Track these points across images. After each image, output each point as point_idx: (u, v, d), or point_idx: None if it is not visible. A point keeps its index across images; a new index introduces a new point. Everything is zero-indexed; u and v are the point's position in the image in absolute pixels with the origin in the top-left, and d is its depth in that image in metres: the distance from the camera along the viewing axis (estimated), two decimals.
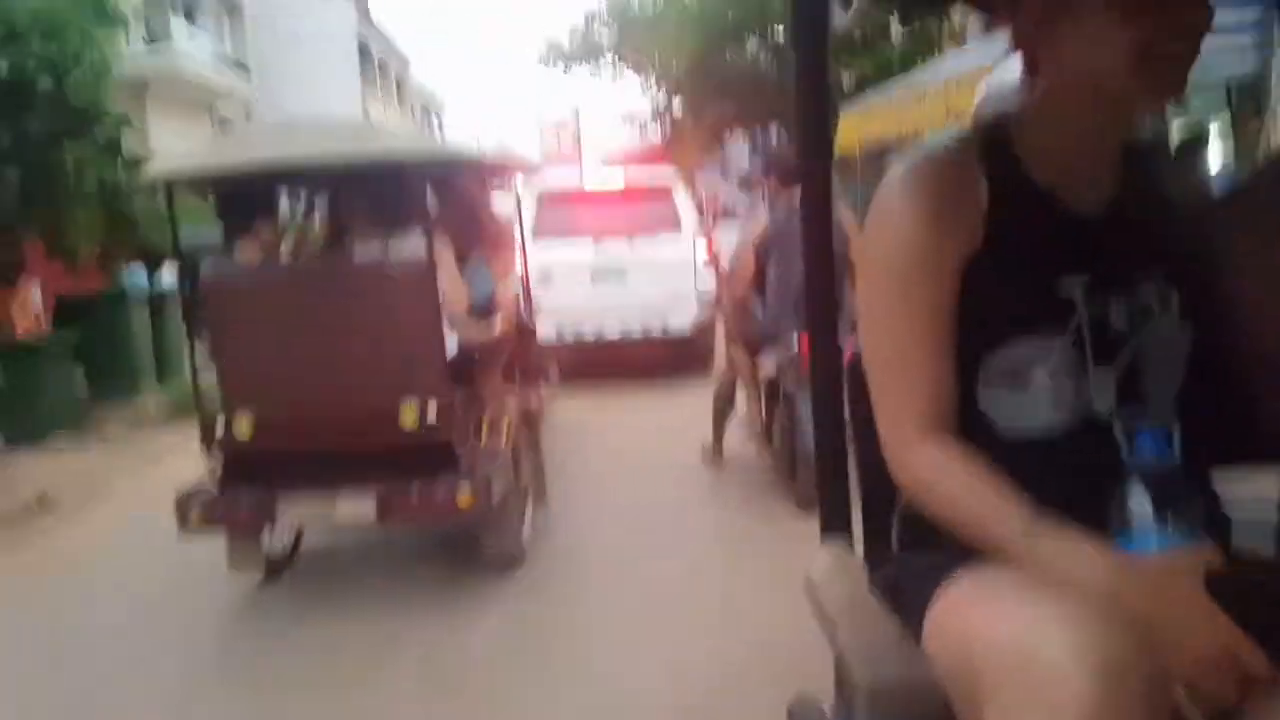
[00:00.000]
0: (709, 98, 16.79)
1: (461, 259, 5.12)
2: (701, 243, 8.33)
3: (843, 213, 4.26)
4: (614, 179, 9.42)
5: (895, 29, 13.15)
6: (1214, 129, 7.14)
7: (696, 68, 15.74)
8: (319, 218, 4.70)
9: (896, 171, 1.16)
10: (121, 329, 8.35)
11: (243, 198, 4.01)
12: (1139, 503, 1.00)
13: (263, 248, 3.99)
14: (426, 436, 3.80)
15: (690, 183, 15.55)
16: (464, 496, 3.77)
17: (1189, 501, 1.02)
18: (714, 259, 7.94)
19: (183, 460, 5.00)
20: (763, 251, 4.77)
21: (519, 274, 5.82)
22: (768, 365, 4.83)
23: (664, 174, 9.27)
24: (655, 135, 20.55)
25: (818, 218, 1.42)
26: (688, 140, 19.06)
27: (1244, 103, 6.19)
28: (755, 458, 5.35)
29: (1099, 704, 0.85)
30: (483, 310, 4.96)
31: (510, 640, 3.60)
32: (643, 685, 3.09)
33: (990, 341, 1.11)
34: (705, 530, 4.71)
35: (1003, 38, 1.18)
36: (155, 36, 18.76)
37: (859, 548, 1.44)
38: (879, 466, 1.20)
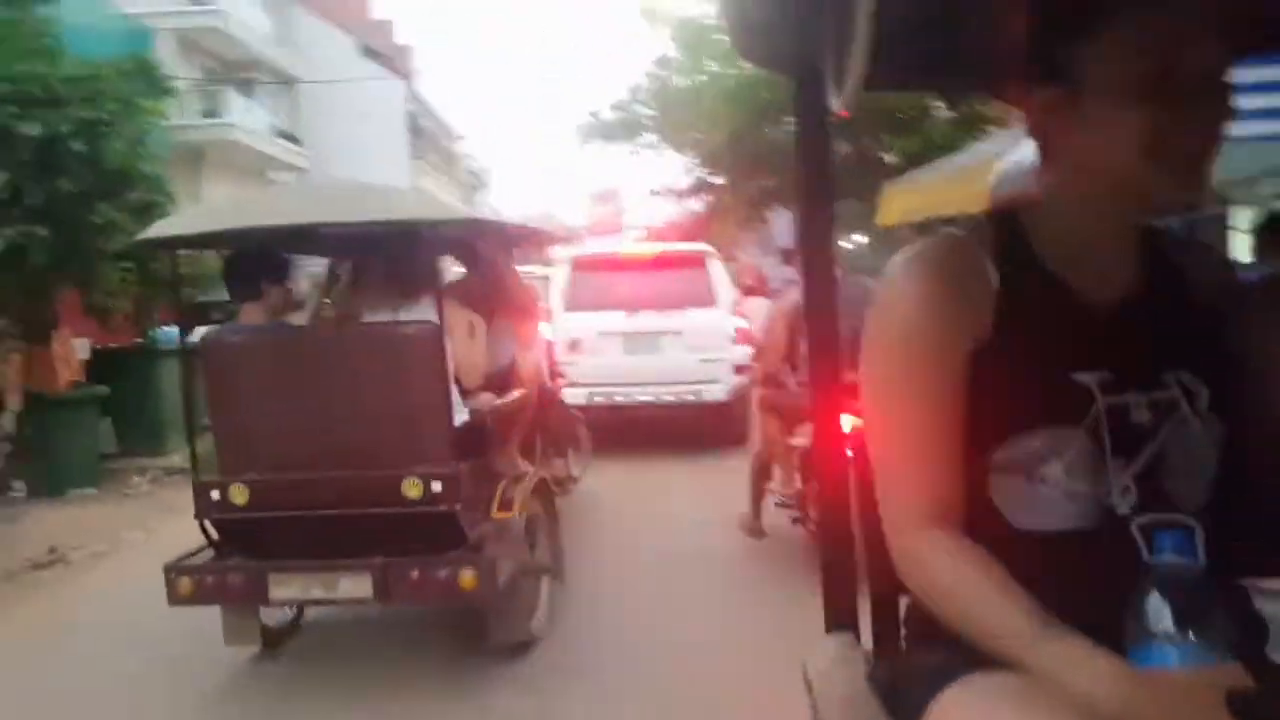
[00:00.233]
0: (749, 172, 16.77)
1: (485, 326, 4.98)
2: (736, 316, 8.17)
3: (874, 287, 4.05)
4: (649, 250, 9.41)
5: (938, 107, 13.08)
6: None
7: (736, 143, 15.74)
8: (343, 283, 4.58)
9: (902, 256, 1.13)
10: (151, 384, 8.41)
11: (250, 261, 3.89)
12: (1157, 611, 0.91)
13: (268, 311, 3.85)
14: (430, 510, 3.57)
15: (731, 256, 15.46)
16: (467, 578, 3.51)
17: (1213, 612, 0.93)
18: (748, 331, 7.82)
19: None
20: (795, 324, 4.60)
21: (544, 342, 5.64)
22: (801, 438, 4.64)
23: (699, 247, 9.26)
24: (697, 208, 20.58)
25: (820, 301, 1.36)
26: (729, 214, 19.04)
27: None
28: (792, 532, 5.06)
29: None
30: (501, 378, 4.78)
31: None
32: None
33: (1001, 432, 1.07)
34: (735, 620, 4.36)
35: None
36: (212, 108, 19.41)
37: (866, 639, 1.37)
38: (887, 555, 1.14)
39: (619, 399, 8.03)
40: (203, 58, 20.19)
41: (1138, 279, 1.12)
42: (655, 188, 20.46)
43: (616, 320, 8.12)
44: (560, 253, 9.08)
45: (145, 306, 7.93)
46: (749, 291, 8.77)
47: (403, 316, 3.80)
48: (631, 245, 10.39)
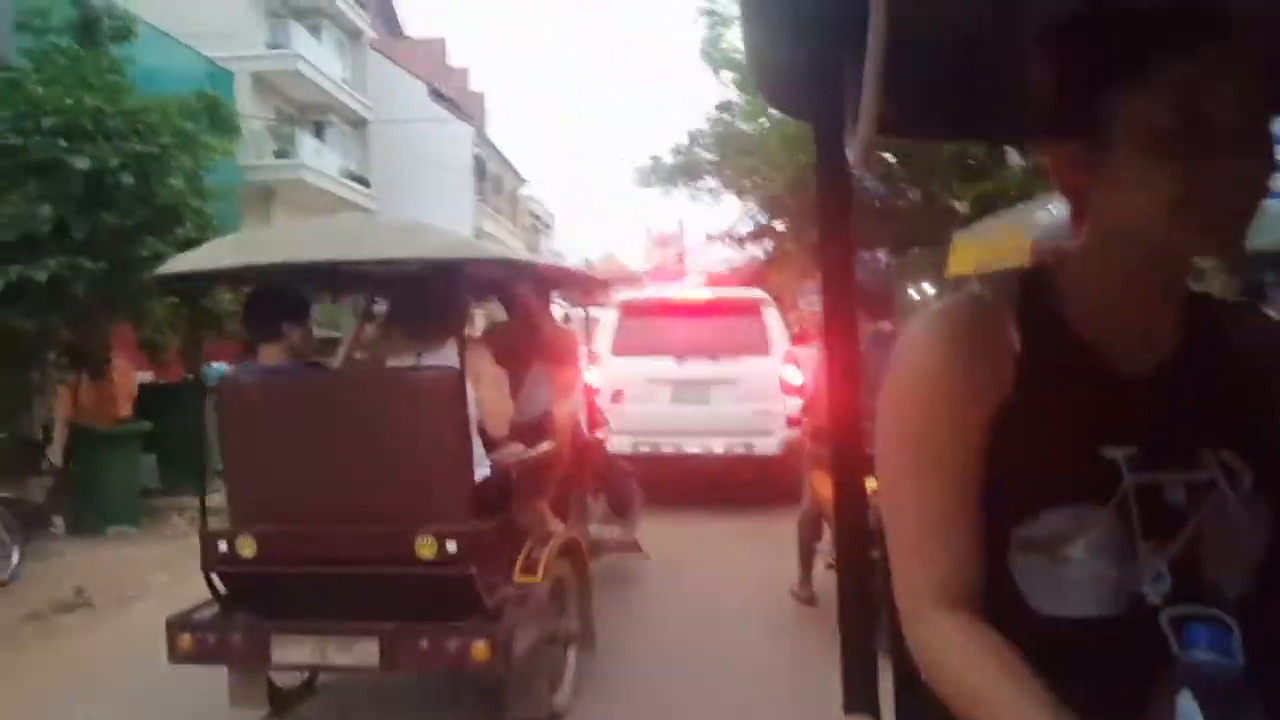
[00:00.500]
0: (811, 218, 16.44)
1: (520, 372, 4.73)
2: (791, 366, 7.80)
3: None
4: (701, 295, 9.15)
5: (1012, 153, 12.61)
6: None
7: (798, 188, 15.43)
8: (377, 324, 4.40)
9: (920, 317, 1.09)
10: (197, 421, 8.34)
11: (270, 299, 3.72)
12: (1187, 714, 0.85)
13: (288, 352, 3.66)
14: (445, 571, 3.31)
15: (792, 304, 15.10)
16: (480, 649, 3.24)
17: (1250, 717, 0.85)
18: (794, 382, 7.53)
19: None
20: None
21: (584, 390, 5.37)
22: None
23: (754, 293, 8.98)
24: (759, 253, 20.28)
25: (841, 356, 1.28)
26: (790, 260, 18.68)
27: None
28: None
29: None
30: (534, 428, 4.52)
31: None
32: None
33: (1022, 508, 1.00)
34: (778, 695, 4.00)
35: None
36: (285, 149, 19.90)
37: None
38: None
39: (665, 449, 7.75)
40: (277, 99, 20.79)
41: (1177, 347, 1.04)
42: (715, 233, 20.20)
43: (665, 367, 7.88)
44: (606, 296, 8.90)
45: (194, 341, 7.93)
46: (805, 339, 8.44)
47: (425, 361, 3.59)
48: (682, 290, 10.14)
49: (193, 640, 3.48)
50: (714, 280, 23.05)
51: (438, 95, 27.72)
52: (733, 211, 19.53)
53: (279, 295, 3.68)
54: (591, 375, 6.46)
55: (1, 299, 6.68)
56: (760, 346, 7.92)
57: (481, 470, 3.57)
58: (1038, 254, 2.30)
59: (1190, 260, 1.02)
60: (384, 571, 3.35)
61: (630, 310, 8.37)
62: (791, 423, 7.53)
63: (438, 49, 33.03)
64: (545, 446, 4.29)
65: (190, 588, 3.91)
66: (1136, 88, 0.92)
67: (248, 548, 3.48)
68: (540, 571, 3.74)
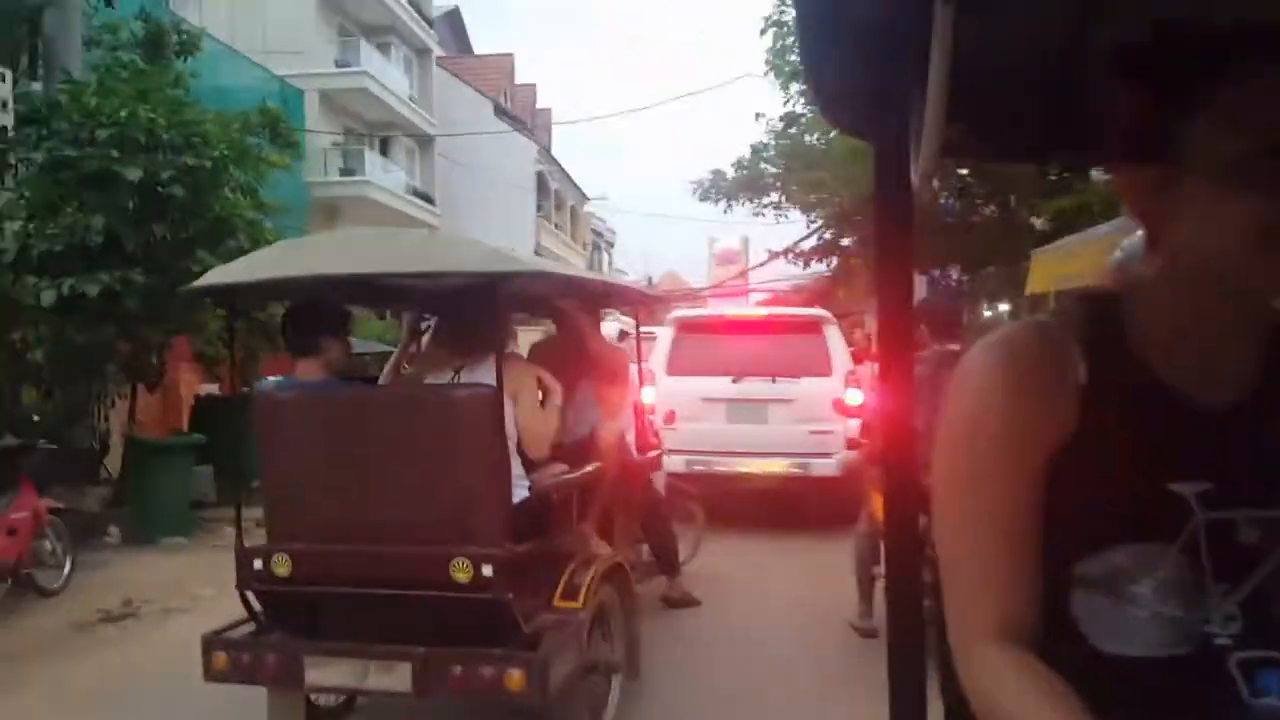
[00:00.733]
0: None
1: (566, 390, 4.61)
2: (853, 386, 7.56)
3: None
4: (759, 313, 9.00)
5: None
6: None
7: (867, 202, 15.08)
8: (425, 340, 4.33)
9: (982, 342, 1.05)
10: (250, 433, 8.46)
11: (308, 313, 3.67)
12: None
13: (326, 368, 3.59)
14: (480, 595, 3.19)
15: (858, 323, 14.75)
16: (514, 678, 3.10)
17: None
18: (848, 403, 7.36)
19: None
20: None
21: (634, 409, 5.22)
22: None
23: (815, 312, 8.83)
24: (825, 269, 19.91)
25: (896, 380, 1.27)
26: (857, 277, 18.29)
27: None
28: None
29: None
30: (580, 449, 4.39)
31: None
32: None
33: (1085, 543, 0.97)
34: None
35: None
36: (351, 166, 20.27)
37: None
38: None
39: (719, 468, 7.60)
40: (345, 117, 21.20)
41: (1255, 381, 1.00)
42: (779, 249, 19.83)
43: (721, 386, 7.75)
44: (663, 314, 8.81)
45: (248, 353, 8.00)
46: (871, 358, 8.21)
47: (464, 379, 3.49)
48: (740, 307, 10.04)
49: (227, 659, 3.41)
50: (778, 298, 22.73)
51: (502, 112, 28.01)
52: (797, 227, 19.13)
53: (317, 309, 3.62)
54: (645, 394, 6.32)
55: (55, 311, 6.78)
56: (821, 367, 7.71)
57: (520, 491, 3.45)
58: (1113, 279, 2.15)
59: (1270, 295, 0.97)
60: (418, 594, 3.24)
61: (686, 328, 8.27)
62: (851, 445, 7.32)
63: (506, 65, 33.40)
64: (589, 468, 4.15)
65: (235, 602, 3.87)
66: (1211, 113, 0.89)
67: (282, 566, 3.42)
68: (582, 597, 3.59)
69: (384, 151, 23.05)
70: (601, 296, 5.05)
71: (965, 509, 1.01)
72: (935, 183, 14.67)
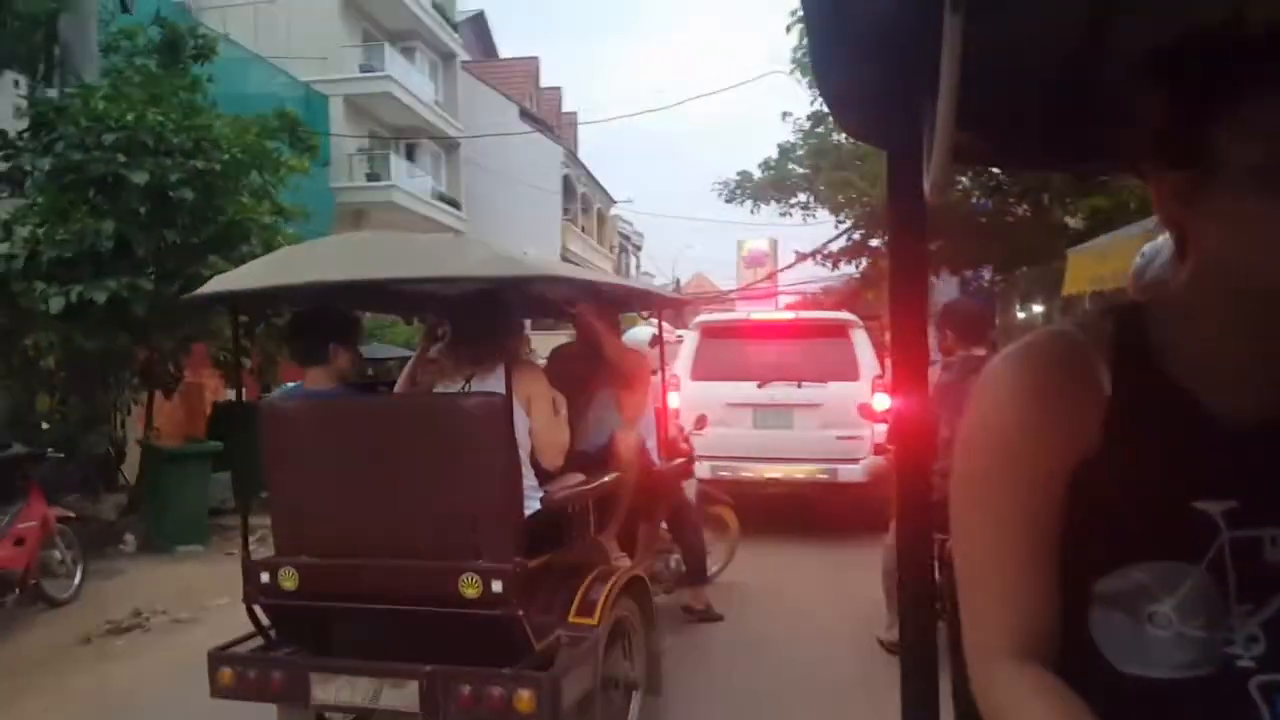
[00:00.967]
0: None
1: (584, 397, 4.49)
2: (881, 392, 7.39)
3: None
4: (785, 318, 8.92)
5: None
6: None
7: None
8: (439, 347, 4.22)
9: (1002, 353, 1.03)
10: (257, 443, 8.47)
11: (316, 320, 3.57)
12: None
13: (334, 376, 3.49)
14: (490, 612, 3.08)
15: (888, 324, 14.51)
16: (524, 699, 2.99)
17: None
18: (875, 409, 7.23)
19: None
20: (936, 405, 3.85)
21: (658, 416, 5.07)
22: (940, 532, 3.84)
23: (842, 316, 8.66)
24: (854, 271, 19.63)
25: (910, 390, 1.26)
26: (887, 278, 17.95)
27: None
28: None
29: None
30: (596, 457, 4.26)
31: None
32: None
33: (1106, 560, 0.95)
34: None
35: None
36: (376, 172, 20.31)
37: None
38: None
39: (744, 474, 7.50)
40: (370, 122, 21.25)
41: None
42: (806, 250, 19.57)
43: (746, 391, 7.67)
44: (686, 318, 8.72)
45: (269, 360, 7.93)
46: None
47: (475, 387, 3.37)
48: (766, 312, 9.95)
49: (233, 675, 3.33)
50: (806, 300, 22.43)
51: (527, 116, 28.00)
52: (826, 228, 18.83)
53: (324, 315, 3.52)
54: (668, 400, 6.20)
55: (63, 317, 6.71)
56: (847, 371, 7.57)
57: (532, 503, 3.32)
58: (1136, 288, 2.08)
59: None
60: (427, 611, 3.14)
61: (711, 333, 8.19)
62: (878, 450, 7.17)
63: (531, 68, 33.44)
64: (608, 478, 4.02)
65: (245, 614, 3.80)
66: (1244, 119, 0.86)
67: (289, 580, 3.34)
68: (598, 614, 3.47)
69: (410, 157, 23.11)
70: (621, 300, 4.92)
71: (984, 518, 0.99)
72: (966, 181, 14.43)
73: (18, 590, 5.58)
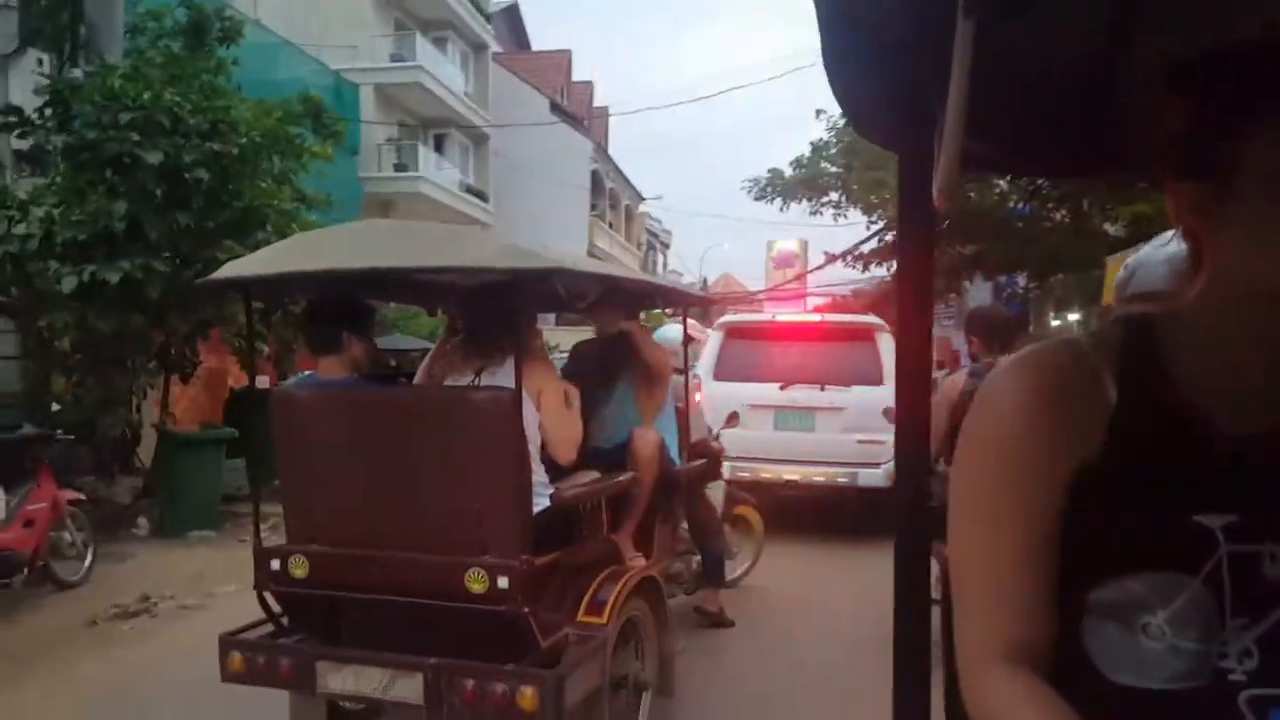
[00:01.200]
0: (947, 238, 15.60)
1: (601, 393, 4.44)
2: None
3: None
4: (809, 320, 8.94)
5: None
6: None
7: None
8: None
9: (1008, 360, 1.04)
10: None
11: (330, 308, 3.55)
12: None
13: (348, 365, 3.47)
14: (496, 608, 3.05)
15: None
16: (527, 697, 2.96)
17: None
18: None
19: None
20: (959, 413, 3.77)
21: (679, 415, 5.02)
22: None
23: (868, 319, 8.65)
24: (885, 273, 19.41)
25: (911, 398, 1.24)
26: (895, 280, 17.71)
27: None
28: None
29: None
30: (614, 456, 4.21)
31: None
32: None
33: (1102, 570, 0.94)
34: None
35: None
36: (405, 163, 20.34)
37: None
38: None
39: (764, 475, 7.49)
40: (399, 112, 21.29)
41: None
42: (836, 251, 19.38)
43: (768, 392, 7.67)
44: (724, 318, 8.74)
45: (285, 347, 7.91)
46: (938, 365, 7.94)
47: (485, 381, 3.34)
48: (789, 313, 9.93)
49: (243, 660, 3.34)
50: (836, 303, 22.19)
51: (557, 109, 27.94)
52: (857, 229, 18.64)
53: (338, 304, 3.50)
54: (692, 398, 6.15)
55: (76, 297, 6.67)
56: (872, 375, 7.52)
57: (541, 500, 3.29)
58: (1119, 301, 2.07)
59: None
60: (435, 604, 3.12)
61: (734, 333, 8.20)
62: None
63: (563, 62, 33.37)
64: (620, 477, 3.98)
65: (255, 600, 3.79)
66: (1268, 130, 0.86)
67: (300, 568, 3.34)
68: (606, 613, 3.43)
69: (438, 148, 23.14)
70: (645, 296, 4.87)
71: (982, 523, 0.99)
72: (1004, 185, 14.22)
73: (26, 572, 5.55)
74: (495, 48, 26.87)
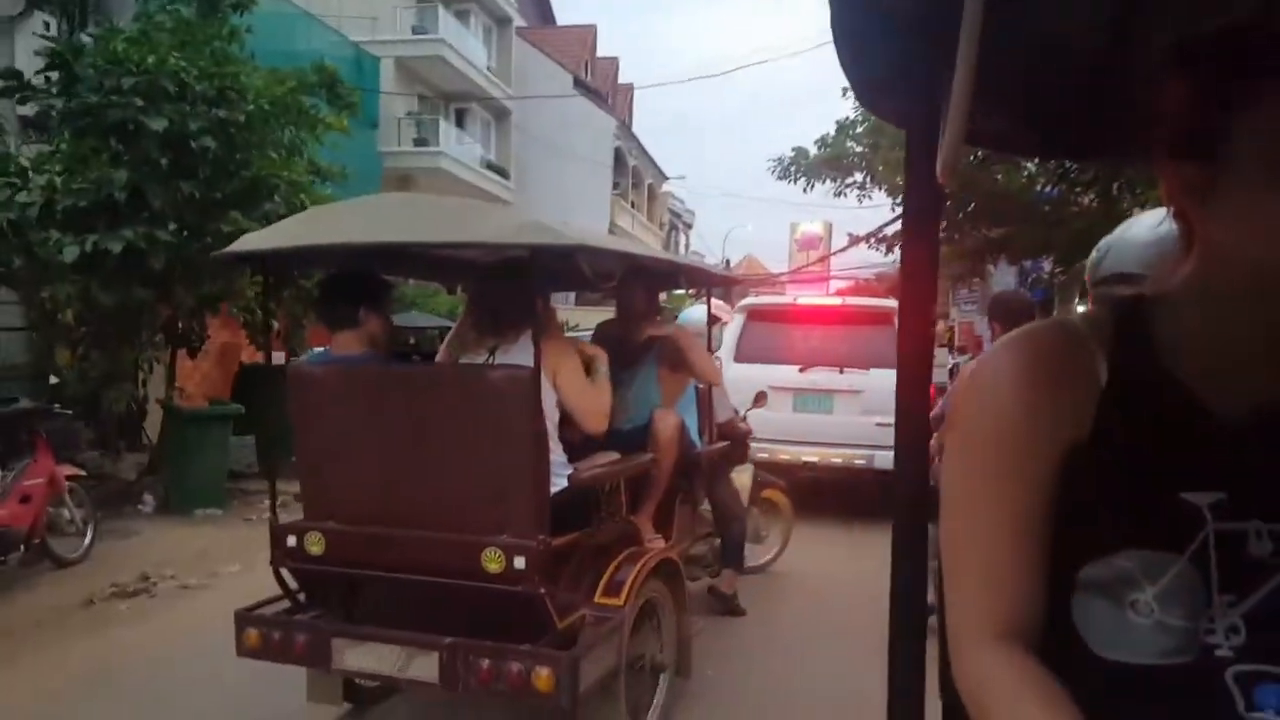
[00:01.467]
0: (972, 221, 15.37)
1: (622, 373, 4.39)
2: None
3: None
4: (830, 303, 9.05)
5: None
6: None
7: (962, 186, 14.35)
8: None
9: (1001, 340, 1.05)
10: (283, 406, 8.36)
11: (347, 283, 3.51)
12: None
13: (365, 341, 3.43)
14: (513, 588, 3.03)
15: (942, 312, 14.19)
16: (542, 677, 2.94)
17: None
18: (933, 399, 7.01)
19: None
20: None
21: (700, 397, 4.98)
22: None
23: (887, 303, 8.62)
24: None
25: (912, 383, 1.26)
26: (945, 265, 17.58)
27: None
28: None
29: None
30: (635, 437, 4.17)
31: None
32: None
33: (1091, 547, 0.95)
34: None
35: None
36: (425, 138, 20.21)
37: None
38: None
39: (783, 456, 7.55)
40: (420, 86, 21.14)
41: None
42: (860, 234, 19.18)
43: (788, 374, 7.75)
44: (746, 300, 8.74)
45: (295, 322, 7.84)
46: (959, 350, 7.93)
47: (500, 359, 3.30)
48: (810, 296, 9.93)
49: (259, 636, 3.34)
50: (859, 285, 22.00)
51: (581, 85, 27.71)
52: (882, 211, 18.49)
53: (354, 279, 3.46)
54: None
55: (77, 268, 6.50)
56: (890, 359, 7.41)
57: (559, 481, 3.25)
58: (1091, 282, 2.02)
59: None
60: (451, 583, 3.11)
61: (755, 316, 8.26)
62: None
63: (588, 37, 33.02)
64: (644, 458, 3.94)
65: (260, 580, 3.76)
66: (1265, 112, 0.86)
67: (316, 545, 3.34)
68: (624, 595, 3.40)
69: (459, 123, 23.01)
70: (667, 275, 4.81)
71: (972, 501, 1.00)
72: (1031, 168, 13.99)
73: (22, 549, 5.41)
74: (519, 21, 26.64)
